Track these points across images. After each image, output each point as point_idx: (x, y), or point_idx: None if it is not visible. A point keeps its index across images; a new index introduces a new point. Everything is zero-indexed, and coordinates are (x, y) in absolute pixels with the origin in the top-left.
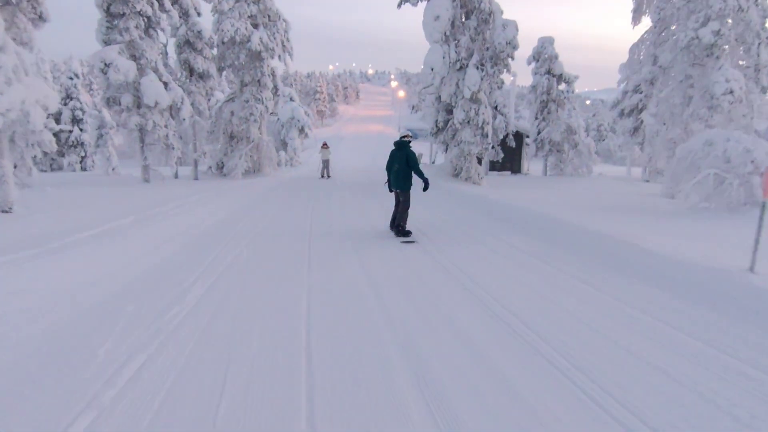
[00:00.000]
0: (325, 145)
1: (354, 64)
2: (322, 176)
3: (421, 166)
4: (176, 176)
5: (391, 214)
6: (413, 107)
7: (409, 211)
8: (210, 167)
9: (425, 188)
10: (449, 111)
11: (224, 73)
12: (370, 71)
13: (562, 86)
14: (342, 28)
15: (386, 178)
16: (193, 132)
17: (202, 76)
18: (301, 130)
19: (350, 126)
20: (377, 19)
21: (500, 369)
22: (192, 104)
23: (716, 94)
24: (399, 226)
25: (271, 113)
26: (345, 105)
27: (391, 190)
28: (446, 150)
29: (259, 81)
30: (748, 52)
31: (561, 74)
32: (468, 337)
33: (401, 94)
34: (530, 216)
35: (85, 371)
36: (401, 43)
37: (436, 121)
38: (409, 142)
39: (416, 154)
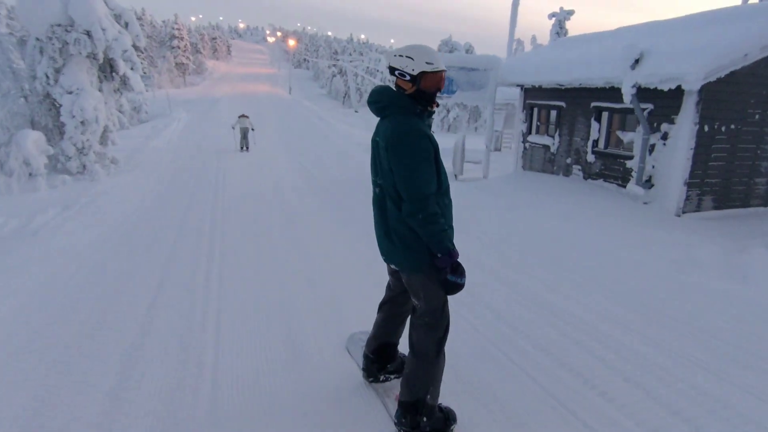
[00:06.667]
0: (243, 116)
1: (221, 18)
2: (242, 149)
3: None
4: None
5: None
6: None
7: None
8: None
9: (446, 288)
10: None
11: None
12: (242, 25)
13: None
14: None
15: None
16: None
17: None
18: (109, 71)
19: (224, 86)
20: None
21: None
22: None
23: None
24: (414, 407)
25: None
26: (215, 60)
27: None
28: None
29: None
30: None
31: None
32: None
33: (291, 43)
34: None
35: None
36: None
37: None
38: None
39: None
